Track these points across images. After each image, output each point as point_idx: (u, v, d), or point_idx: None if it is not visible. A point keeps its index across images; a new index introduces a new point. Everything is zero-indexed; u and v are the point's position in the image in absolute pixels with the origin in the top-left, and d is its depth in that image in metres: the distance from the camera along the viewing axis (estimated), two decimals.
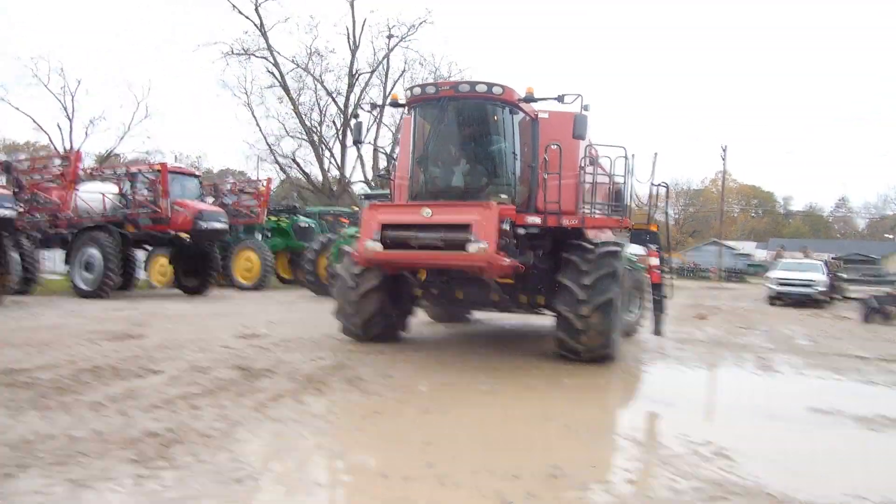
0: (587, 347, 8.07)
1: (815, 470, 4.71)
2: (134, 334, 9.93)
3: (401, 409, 5.99)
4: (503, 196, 8.19)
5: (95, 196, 16.66)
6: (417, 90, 8.66)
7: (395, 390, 6.74)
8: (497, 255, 7.14)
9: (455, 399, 6.50)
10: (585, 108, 8.27)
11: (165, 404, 5.78)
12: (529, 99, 8.47)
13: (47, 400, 5.81)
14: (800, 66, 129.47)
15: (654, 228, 8.70)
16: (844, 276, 30.57)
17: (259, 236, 21.66)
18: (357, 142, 10.31)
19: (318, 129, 39.57)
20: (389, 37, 38.00)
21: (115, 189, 17.02)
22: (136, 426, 5.10)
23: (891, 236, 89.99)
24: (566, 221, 8.31)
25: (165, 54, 76.76)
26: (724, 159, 56.35)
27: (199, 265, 17.86)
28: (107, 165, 21.67)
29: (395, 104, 9.49)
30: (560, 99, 8.33)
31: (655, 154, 8.60)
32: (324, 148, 40.07)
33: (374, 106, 11.83)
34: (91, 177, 17.92)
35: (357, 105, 9.64)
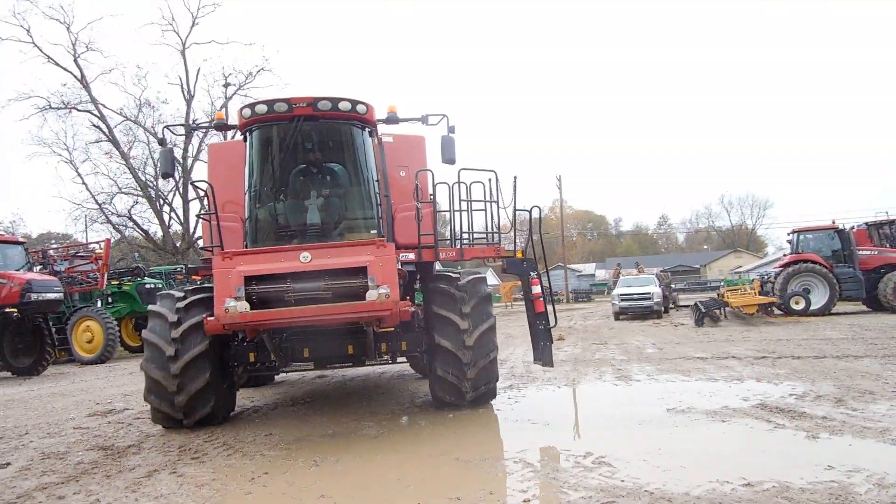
0: (473, 385, 7.38)
1: (683, 463, 5.20)
2: None
3: (289, 466, 5.82)
4: (372, 231, 7.42)
5: None
6: (262, 108, 7.23)
7: (279, 448, 6.52)
8: (403, 301, 6.20)
9: (343, 448, 6.42)
10: (451, 129, 7.79)
11: (21, 499, 5.19)
12: (392, 119, 7.91)
13: None
14: (619, 96, 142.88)
15: (519, 255, 8.22)
16: (673, 286, 33.85)
17: (99, 303, 19.93)
18: (166, 174, 8.02)
19: (154, 183, 37.47)
20: (226, 85, 37.16)
21: None
22: None
23: (706, 247, 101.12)
24: (443, 255, 7.75)
25: None
26: (559, 188, 60.55)
27: (31, 342, 16.08)
28: None
29: (221, 126, 8.19)
30: (424, 120, 7.87)
31: (515, 178, 8.00)
32: (162, 202, 37.98)
33: (185, 129, 10.84)
34: None
35: (164, 128, 7.66)
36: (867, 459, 5.02)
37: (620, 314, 25.55)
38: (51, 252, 20.57)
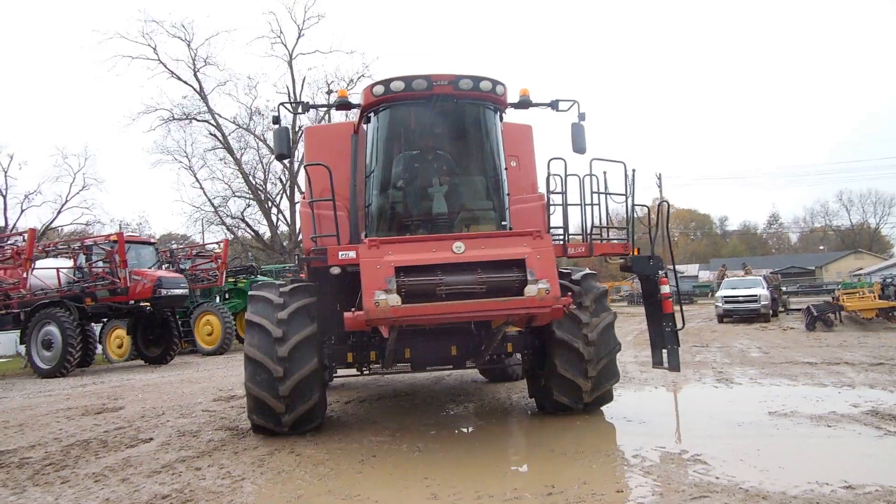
0: (595, 383, 7.06)
1: (781, 464, 5.19)
2: (110, 407, 9.88)
3: (394, 451, 6.27)
4: (504, 223, 6.94)
5: (49, 272, 16.42)
6: (398, 84, 6.57)
7: (384, 434, 7.01)
8: (565, 297, 5.80)
9: (443, 438, 6.81)
10: (581, 116, 7.28)
11: (165, 469, 5.92)
12: (523, 103, 7.36)
13: (45, 476, 5.87)
14: (723, 88, 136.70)
15: (636, 252, 7.59)
16: (784, 288, 32.18)
17: (218, 299, 21.55)
18: (281, 156, 7.32)
19: (264, 186, 39.80)
20: (329, 92, 38.80)
21: (69, 263, 16.83)
22: (143, 491, 5.23)
23: (823, 248, 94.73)
24: (571, 250, 7.30)
25: (102, 122, 75.70)
26: (660, 187, 58.71)
27: (161, 334, 17.69)
28: (60, 240, 21.29)
29: (343, 105, 7.35)
30: (554, 106, 7.38)
31: (633, 171, 7.35)
32: (270, 205, 40.24)
33: (302, 106, 7.43)
34: (43, 253, 17.66)
35: (280, 105, 6.97)
36: None
37: (724, 317, 24.67)
38: (177, 251, 22.43)
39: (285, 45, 37.51)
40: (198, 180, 39.15)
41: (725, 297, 24.89)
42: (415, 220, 6.83)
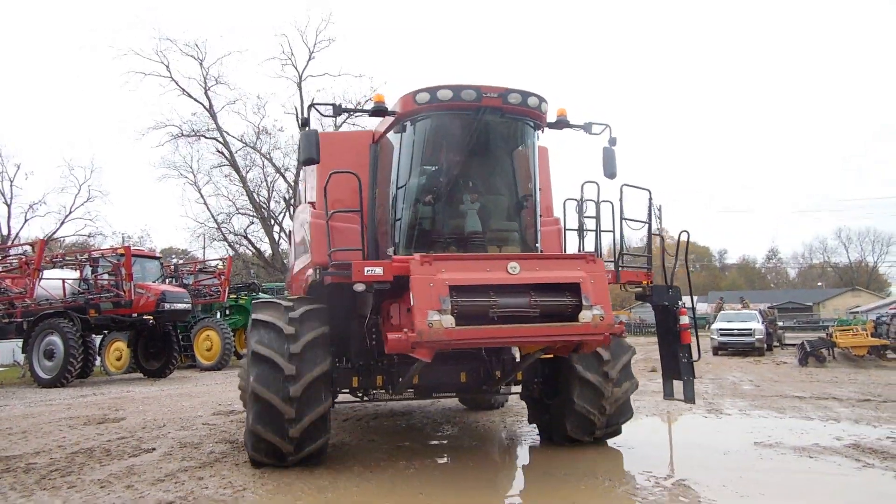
0: (609, 421, 7.10)
1: (762, 491, 5.42)
2: (111, 418, 10.08)
3: (391, 466, 6.47)
4: (536, 245, 6.75)
5: (54, 283, 16.68)
6: (445, 93, 6.16)
7: (379, 451, 7.22)
8: (619, 325, 5.65)
9: (436, 459, 7.02)
10: (612, 141, 7.05)
11: (168, 477, 6.13)
12: (560, 123, 7.00)
13: (52, 481, 6.08)
14: (724, 118, 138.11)
15: (645, 281, 7.35)
16: (780, 323, 32.35)
17: (218, 314, 21.77)
18: (309, 160, 6.30)
19: (267, 204, 40.20)
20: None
21: (75, 274, 17.09)
22: (148, 498, 5.45)
23: (821, 284, 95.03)
24: None
25: (109, 134, 76.49)
26: (659, 218, 59.11)
27: (161, 347, 17.89)
28: (67, 251, 21.57)
29: (378, 111, 6.57)
30: (587, 128, 7.06)
31: (650, 192, 7.10)
32: (273, 222, 40.60)
33: (335, 109, 7.31)
34: (50, 263, 17.94)
35: (310, 107, 6.14)
36: None
37: (719, 349, 24.81)
38: (181, 267, 22.71)
39: (296, 67, 38.08)
40: (202, 196, 39.57)
41: (721, 329, 25.06)
42: (447, 238, 6.44)
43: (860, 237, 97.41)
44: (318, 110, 6.42)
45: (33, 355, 15.94)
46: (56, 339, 15.58)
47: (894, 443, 7.38)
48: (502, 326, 5.33)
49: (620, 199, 6.82)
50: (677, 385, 7.06)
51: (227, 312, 22.35)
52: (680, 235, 7.60)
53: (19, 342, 18.40)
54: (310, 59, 37.72)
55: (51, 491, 5.74)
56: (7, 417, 10.49)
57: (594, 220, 6.93)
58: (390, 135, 6.70)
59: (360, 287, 5.70)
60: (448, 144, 6.58)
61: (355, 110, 7.73)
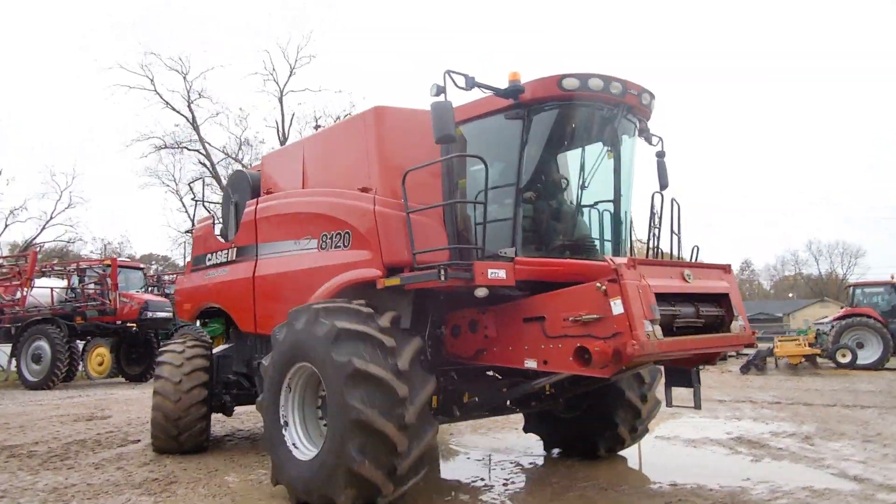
0: (637, 437, 7.25)
1: (637, 466, 6.73)
2: (98, 416, 11.20)
3: None
4: (631, 252, 6.48)
5: (43, 291, 17.70)
6: (596, 83, 5.58)
7: None
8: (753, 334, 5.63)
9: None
10: (661, 153, 6.80)
11: (153, 461, 7.32)
12: (643, 131, 6.45)
13: (53, 464, 7.25)
14: (693, 131, 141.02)
15: None
16: None
17: (198, 323, 22.77)
18: (447, 138, 5.25)
19: None
20: (317, 127, 40.55)
21: (63, 283, 18.12)
22: (136, 476, 6.64)
23: (792, 295, 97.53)
24: None
25: (91, 142, 76.95)
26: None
27: (143, 353, 18.94)
28: (56, 262, 22.55)
29: (511, 91, 5.62)
30: (648, 138, 6.58)
31: (673, 200, 6.72)
32: None
33: (467, 81, 5.42)
34: (39, 272, 18.95)
35: (445, 75, 5.29)
36: (782, 477, 6.38)
37: None
38: (164, 277, 23.73)
39: (277, 83, 39.28)
40: (184, 205, 40.51)
41: None
42: (566, 241, 5.95)
43: (830, 249, 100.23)
44: (452, 78, 5.45)
45: (21, 359, 16.93)
46: (44, 343, 16.60)
47: (772, 436, 8.73)
48: (701, 337, 5.23)
49: (673, 206, 6.65)
50: (676, 392, 6.51)
51: (206, 321, 23.34)
52: (692, 250, 7.18)
53: (4, 346, 19.33)
54: (291, 75, 38.92)
55: (53, 471, 6.90)
56: (3, 414, 11.56)
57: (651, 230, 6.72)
58: (496, 119, 5.81)
59: (482, 292, 5.20)
60: (580, 138, 6.06)
61: (489, 87, 5.83)
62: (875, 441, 8.30)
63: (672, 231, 6.60)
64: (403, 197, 5.37)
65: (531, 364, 5.24)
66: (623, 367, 4.80)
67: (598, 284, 4.83)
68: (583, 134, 6.06)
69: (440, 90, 5.36)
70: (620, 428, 6.90)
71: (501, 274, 5.14)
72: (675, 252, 6.63)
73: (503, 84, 5.64)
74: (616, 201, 6.20)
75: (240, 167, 40.35)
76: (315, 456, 5.20)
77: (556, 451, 7.62)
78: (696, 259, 6.76)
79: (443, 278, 5.05)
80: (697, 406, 6.48)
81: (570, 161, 6.23)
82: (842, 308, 25.44)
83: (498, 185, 5.57)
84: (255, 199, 7.44)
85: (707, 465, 6.97)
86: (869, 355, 21.27)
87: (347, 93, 57.52)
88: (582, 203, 6.14)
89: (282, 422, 5.56)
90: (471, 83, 5.58)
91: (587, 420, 7.12)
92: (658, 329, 4.73)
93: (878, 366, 21.16)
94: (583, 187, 6.08)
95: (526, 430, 7.83)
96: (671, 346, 4.86)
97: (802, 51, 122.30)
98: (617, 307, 4.70)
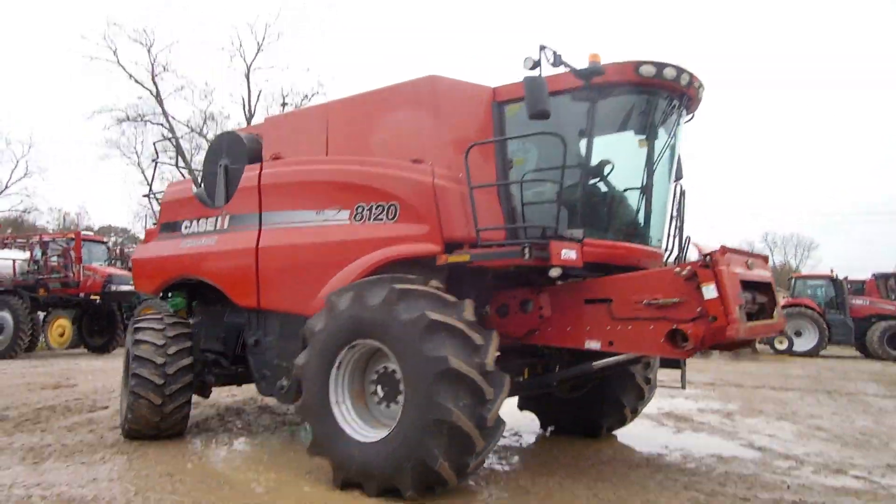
0: (638, 413, 7.66)
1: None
2: (65, 384, 11.52)
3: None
4: (659, 241, 6.48)
5: (6, 262, 17.74)
6: (671, 72, 5.64)
7: None
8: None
9: None
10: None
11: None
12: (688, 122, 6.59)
13: (27, 427, 7.66)
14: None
15: None
16: None
17: (161, 296, 22.97)
18: (542, 113, 5.22)
19: None
20: (283, 105, 40.51)
21: (24, 255, 18.16)
22: (107, 437, 7.10)
23: None
24: None
25: (51, 113, 74.90)
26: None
27: (106, 325, 19.14)
28: (20, 235, 22.41)
29: (590, 73, 5.57)
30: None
31: (682, 189, 6.85)
32: None
33: (556, 58, 5.32)
34: (1, 244, 18.93)
35: (540, 49, 5.31)
36: (696, 446, 7.19)
37: None
38: (126, 250, 23.79)
39: (244, 59, 39.02)
40: (146, 178, 40.12)
41: None
42: (622, 226, 6.10)
43: (784, 241, 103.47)
44: (544, 54, 5.32)
45: None
46: (6, 314, 16.71)
47: (698, 412, 9.56)
48: (763, 323, 5.45)
49: (682, 195, 6.79)
50: (661, 373, 7.45)
51: (169, 294, 23.54)
52: (685, 241, 7.26)
53: None
54: (258, 52, 38.72)
55: (28, 433, 7.32)
56: None
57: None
58: (562, 99, 5.69)
59: (556, 272, 5.22)
60: (643, 125, 6.03)
61: (570, 67, 5.59)
62: (788, 419, 9.21)
63: (678, 219, 6.72)
64: (466, 171, 5.38)
65: (593, 345, 5.32)
66: (707, 348, 5.03)
67: (678, 269, 5.06)
68: (647, 120, 6.02)
69: (536, 64, 5.34)
70: (626, 409, 7.23)
71: (573, 255, 5.19)
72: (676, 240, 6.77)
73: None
74: (670, 189, 6.41)
75: (205, 141, 40.14)
76: (380, 441, 5.00)
77: (550, 428, 7.84)
78: (687, 249, 6.82)
79: (527, 256, 5.08)
80: (683, 386, 7.02)
81: (630, 146, 6.09)
82: (783, 298, 26.79)
83: (568, 166, 5.34)
84: (256, 165, 6.92)
85: (633, 436, 7.72)
86: (806, 343, 22.60)
87: (315, 72, 57.26)
88: (638, 189, 6.11)
89: (332, 397, 5.32)
90: (558, 60, 5.50)
91: (591, 401, 7.34)
92: (744, 314, 4.95)
93: (813, 353, 22.51)
94: (649, 174, 6.07)
95: (521, 407, 7.84)
96: (752, 331, 5.10)
97: (773, 54, 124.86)
98: (709, 292, 4.83)
